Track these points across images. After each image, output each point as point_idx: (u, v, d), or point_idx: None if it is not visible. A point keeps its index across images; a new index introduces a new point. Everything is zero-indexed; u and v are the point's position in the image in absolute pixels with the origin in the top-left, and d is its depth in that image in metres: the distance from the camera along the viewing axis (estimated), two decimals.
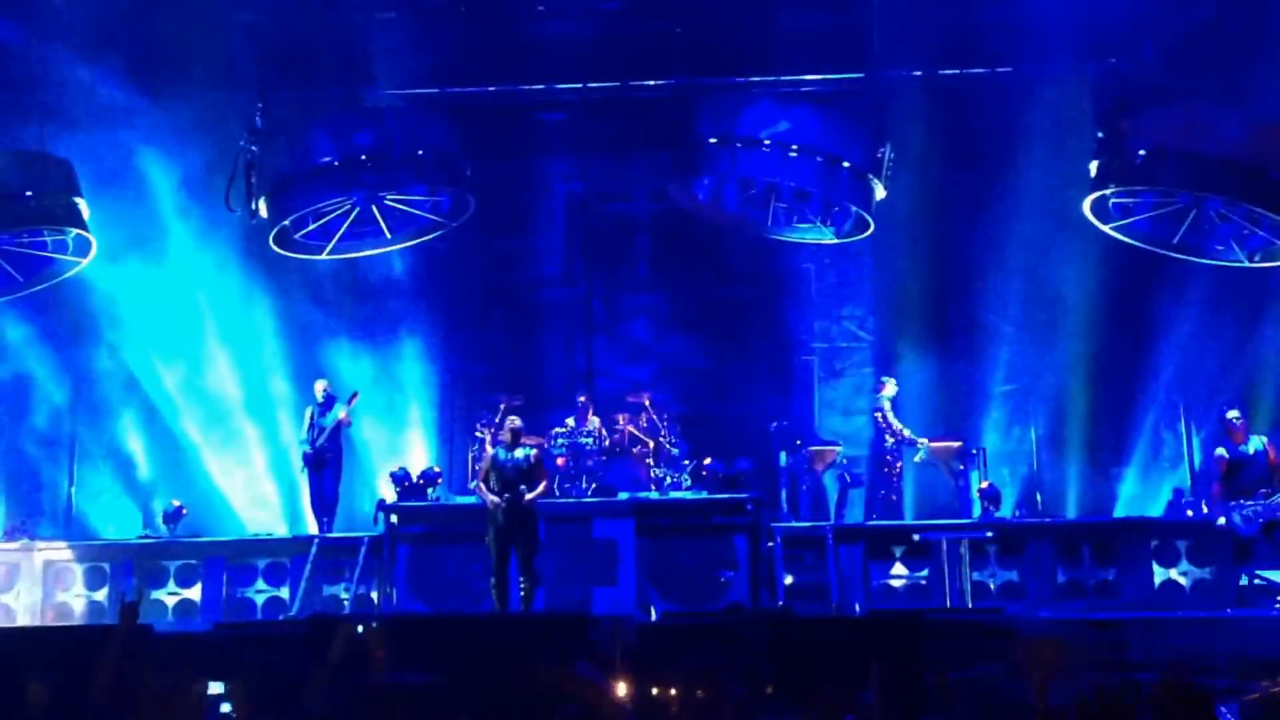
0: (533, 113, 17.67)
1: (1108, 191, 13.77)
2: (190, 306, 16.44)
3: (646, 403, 15.82)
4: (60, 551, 14.34)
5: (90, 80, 15.63)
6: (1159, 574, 13.55)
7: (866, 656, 7.53)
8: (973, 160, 16.39)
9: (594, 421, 15.41)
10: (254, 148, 14.40)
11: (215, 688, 7.13)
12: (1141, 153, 13.22)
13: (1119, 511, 15.64)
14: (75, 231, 14.07)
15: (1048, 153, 15.54)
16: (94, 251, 14.33)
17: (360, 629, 7.40)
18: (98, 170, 14.79)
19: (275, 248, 15.01)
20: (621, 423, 15.56)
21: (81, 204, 13.91)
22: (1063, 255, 15.76)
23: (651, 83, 17.08)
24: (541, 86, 17.27)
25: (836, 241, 15.55)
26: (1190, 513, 14.61)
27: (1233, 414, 13.05)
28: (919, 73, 16.31)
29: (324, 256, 15.48)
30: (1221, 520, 12.77)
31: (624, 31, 16.42)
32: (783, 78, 16.61)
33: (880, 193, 14.31)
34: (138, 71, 15.74)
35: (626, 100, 17.28)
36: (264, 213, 14.51)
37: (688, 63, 16.65)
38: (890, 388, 15.33)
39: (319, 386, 15.09)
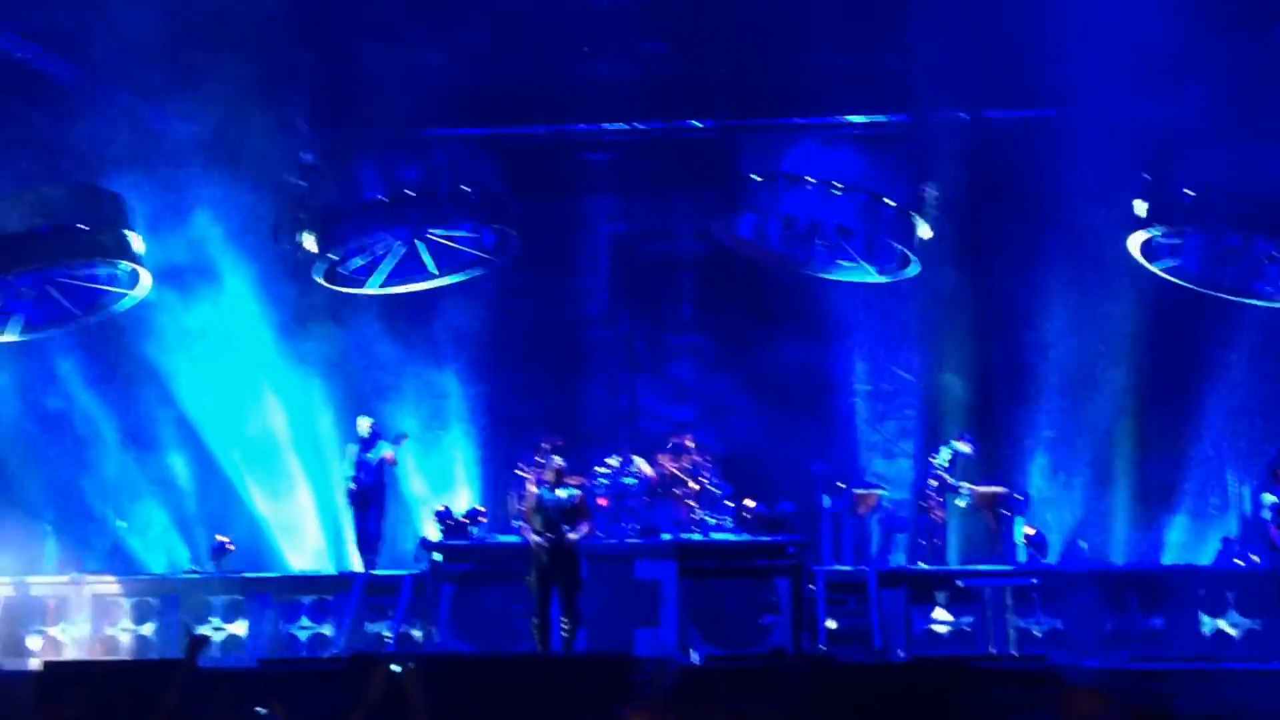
0: (578, 152, 17.75)
1: (1155, 232, 13.69)
2: (240, 342, 16.56)
3: (689, 443, 15.75)
4: (109, 586, 14.46)
5: (143, 116, 15.85)
6: (1207, 624, 13.36)
7: (909, 704, 7.45)
8: (1018, 201, 16.24)
9: (639, 462, 15.37)
10: (303, 183, 14.60)
11: None
12: (1189, 192, 13.12)
13: (1167, 559, 15.46)
14: (127, 264, 14.25)
15: (1094, 194, 15.39)
16: (145, 284, 14.50)
17: (398, 668, 7.40)
18: (150, 205, 14.95)
19: (322, 282, 15.15)
20: (664, 463, 15.53)
21: (134, 237, 14.09)
22: (1109, 297, 15.63)
23: (696, 124, 17.14)
24: (586, 127, 17.37)
25: (881, 280, 15.50)
26: (1239, 562, 14.38)
27: None
28: (964, 115, 16.27)
29: (370, 291, 15.63)
30: None
31: (669, 73, 16.47)
32: (827, 119, 16.62)
33: (925, 231, 14.25)
34: (190, 108, 15.93)
35: (671, 141, 17.34)
36: (311, 247, 14.68)
37: (732, 104, 16.68)
38: (964, 445, 15.05)
39: (363, 424, 15.16)
